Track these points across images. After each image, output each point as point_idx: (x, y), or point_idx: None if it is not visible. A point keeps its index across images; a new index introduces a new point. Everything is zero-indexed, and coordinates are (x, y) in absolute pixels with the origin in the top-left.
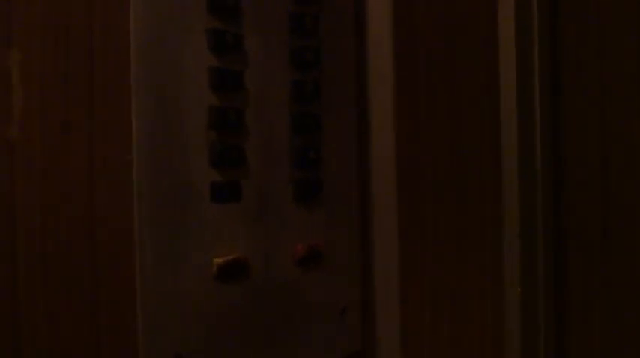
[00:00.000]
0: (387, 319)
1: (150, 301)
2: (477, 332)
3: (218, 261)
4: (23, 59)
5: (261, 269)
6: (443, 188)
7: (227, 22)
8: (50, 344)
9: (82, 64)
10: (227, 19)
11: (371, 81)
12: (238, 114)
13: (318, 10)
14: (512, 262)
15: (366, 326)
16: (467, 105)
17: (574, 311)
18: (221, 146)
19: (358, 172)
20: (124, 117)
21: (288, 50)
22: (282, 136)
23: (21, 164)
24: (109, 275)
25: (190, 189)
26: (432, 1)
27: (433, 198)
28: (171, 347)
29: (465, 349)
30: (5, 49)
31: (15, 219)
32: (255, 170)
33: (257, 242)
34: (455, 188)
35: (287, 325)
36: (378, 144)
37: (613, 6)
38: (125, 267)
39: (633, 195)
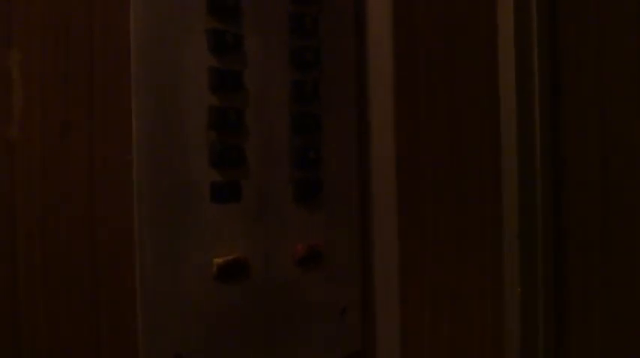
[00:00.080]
0: (387, 319)
1: (150, 301)
2: (477, 332)
3: (218, 260)
4: (23, 59)
5: (261, 269)
6: (443, 188)
7: (227, 22)
8: (50, 344)
9: (82, 64)
10: (227, 19)
11: (371, 81)
12: (238, 114)
13: (318, 10)
14: (512, 262)
15: (366, 326)
16: (467, 105)
17: (574, 311)
18: (221, 146)
19: (358, 172)
20: (124, 117)
21: (288, 50)
22: (282, 136)
23: (21, 164)
24: (109, 275)
25: (190, 189)
26: (432, 1)
27: (433, 198)
28: (171, 346)
29: (465, 349)
30: (5, 49)
31: (15, 219)
32: (255, 170)
33: (257, 242)
34: (455, 188)
35: (287, 325)
36: (378, 144)
37: (613, 6)
38: (125, 267)
39: (633, 195)
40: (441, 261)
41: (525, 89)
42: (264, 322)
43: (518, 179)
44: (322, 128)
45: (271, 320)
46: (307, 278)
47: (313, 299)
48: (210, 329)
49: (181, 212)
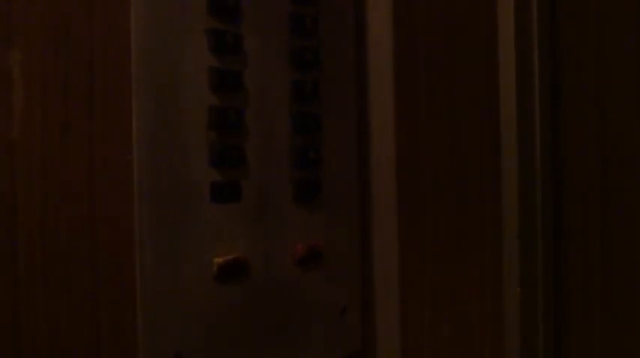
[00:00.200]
0: (387, 319)
1: (150, 301)
2: (477, 332)
3: (218, 260)
4: (23, 59)
5: (261, 269)
6: (443, 188)
7: (227, 23)
8: (50, 344)
9: (82, 64)
10: (227, 20)
11: (371, 81)
12: (238, 114)
13: (317, 10)
14: (512, 262)
15: (366, 326)
16: (467, 105)
17: (574, 311)
18: (221, 146)
19: (358, 172)
20: (124, 117)
21: (288, 50)
22: (282, 136)
23: (21, 164)
24: (109, 275)
25: (190, 189)
26: (432, 1)
27: (433, 198)
28: (172, 346)
29: (465, 349)
30: (5, 49)
31: (15, 219)
32: (255, 170)
33: (257, 242)
34: (455, 188)
35: (287, 325)
36: (378, 144)
37: (613, 6)
38: (125, 267)
39: (633, 195)
40: (441, 261)
41: (525, 89)
42: (264, 322)
43: (518, 179)
44: (322, 128)
45: (271, 320)
46: (307, 278)
47: (313, 299)
48: (210, 328)
49: (181, 212)
